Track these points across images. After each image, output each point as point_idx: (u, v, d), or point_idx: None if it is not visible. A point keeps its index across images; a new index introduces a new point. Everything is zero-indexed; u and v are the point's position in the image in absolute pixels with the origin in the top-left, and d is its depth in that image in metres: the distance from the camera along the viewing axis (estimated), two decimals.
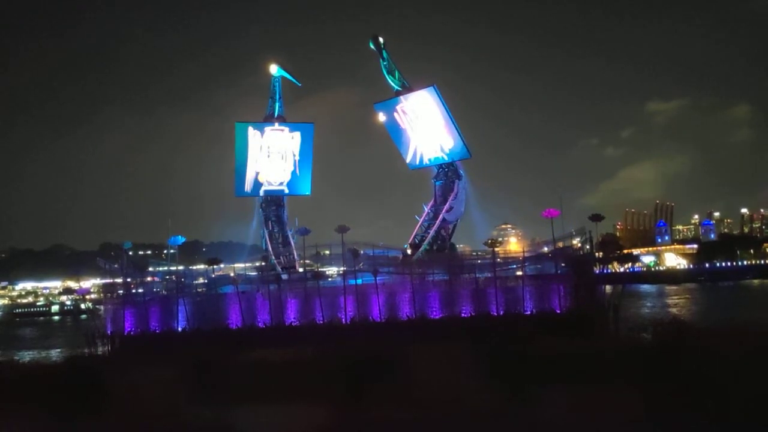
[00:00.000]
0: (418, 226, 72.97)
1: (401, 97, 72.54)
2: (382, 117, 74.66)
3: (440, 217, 70.96)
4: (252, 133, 75.12)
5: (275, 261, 72.28)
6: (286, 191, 75.43)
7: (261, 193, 75.23)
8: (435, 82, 71.78)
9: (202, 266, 73.29)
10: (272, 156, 74.96)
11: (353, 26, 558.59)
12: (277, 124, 75.24)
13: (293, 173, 75.06)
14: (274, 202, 75.53)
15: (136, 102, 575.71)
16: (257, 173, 74.89)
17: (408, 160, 74.83)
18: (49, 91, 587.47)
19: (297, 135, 75.39)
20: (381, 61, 72.88)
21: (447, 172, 72.96)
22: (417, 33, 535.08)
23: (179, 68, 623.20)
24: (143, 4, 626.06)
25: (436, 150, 72.27)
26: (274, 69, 75.84)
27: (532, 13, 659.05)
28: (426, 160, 73.49)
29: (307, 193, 76.96)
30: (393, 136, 74.89)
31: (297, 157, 75.02)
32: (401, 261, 67.73)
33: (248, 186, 75.25)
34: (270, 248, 73.20)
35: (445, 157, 71.90)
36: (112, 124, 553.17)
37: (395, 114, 73.39)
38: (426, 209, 73.36)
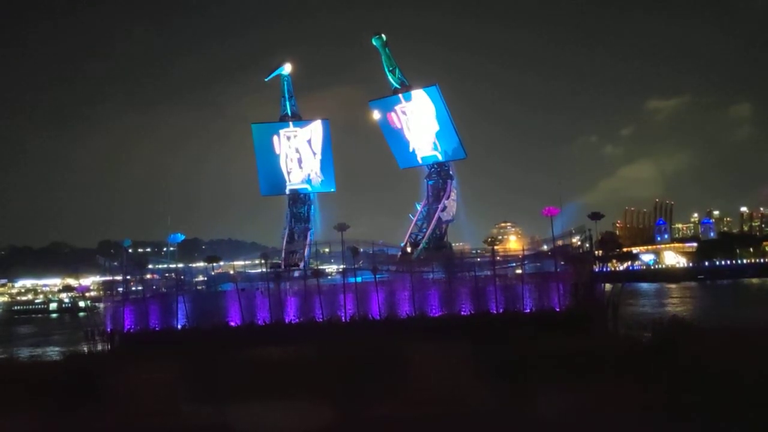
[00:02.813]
0: (412, 225, 72.92)
1: (400, 96, 72.31)
2: (377, 115, 74.35)
3: (436, 216, 70.89)
4: (269, 133, 75.45)
5: (282, 259, 72.44)
6: (309, 189, 75.54)
7: (286, 191, 75.59)
8: (432, 78, 72.21)
9: (201, 264, 73.28)
10: (292, 154, 75.17)
11: (351, 24, 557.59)
12: (291, 123, 75.35)
13: (318, 170, 75.08)
14: (301, 200, 75.79)
15: (134, 99, 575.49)
16: (280, 172, 75.18)
17: (399, 159, 74.50)
18: (47, 87, 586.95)
19: (313, 132, 75.45)
20: (383, 58, 72.67)
21: (439, 171, 72.81)
22: (414, 30, 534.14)
23: (178, 65, 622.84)
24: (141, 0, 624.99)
25: (430, 149, 72.02)
26: (288, 68, 75.96)
27: (531, 9, 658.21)
28: (419, 160, 73.25)
29: (332, 190, 76.86)
30: (386, 134, 74.58)
31: (317, 155, 75.01)
32: (400, 259, 67.73)
33: (272, 186, 75.98)
34: (284, 245, 73.55)
35: (440, 157, 71.71)
36: (111, 120, 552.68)
37: (391, 112, 73.14)
38: (419, 208, 73.29)
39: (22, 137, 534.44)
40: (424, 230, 71.92)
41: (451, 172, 72.59)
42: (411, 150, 73.22)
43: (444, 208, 71.16)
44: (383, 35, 72.56)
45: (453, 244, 75.97)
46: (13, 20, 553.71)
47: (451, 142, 71.02)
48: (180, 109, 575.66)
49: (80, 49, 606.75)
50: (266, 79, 76.30)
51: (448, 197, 71.49)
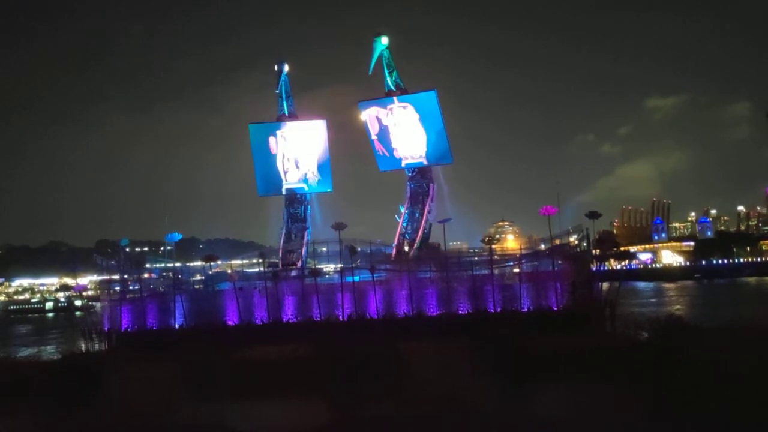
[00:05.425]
0: (399, 226, 72.43)
1: (394, 98, 71.34)
2: (365, 116, 73.59)
3: (424, 217, 70.62)
4: (266, 133, 75.20)
5: (279, 258, 72.36)
6: (306, 189, 75.29)
7: (283, 191, 75.39)
8: (429, 80, 71.61)
9: (199, 263, 73.16)
10: (288, 154, 74.86)
11: (349, 24, 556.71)
12: (288, 123, 74.99)
13: (315, 170, 74.71)
14: (298, 200, 75.65)
15: (132, 99, 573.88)
16: (277, 172, 75.01)
17: (380, 161, 73.35)
18: (45, 86, 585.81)
19: (310, 132, 75.01)
20: (383, 59, 72.00)
21: (422, 174, 72.03)
22: (410, 30, 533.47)
23: (176, 65, 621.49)
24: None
25: (415, 154, 71.06)
26: (286, 68, 75.67)
27: (528, 8, 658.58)
28: (402, 164, 72.38)
29: (329, 190, 76.43)
30: (370, 135, 73.55)
31: (314, 154, 74.62)
32: (395, 258, 67.52)
33: (269, 186, 75.72)
34: (281, 245, 73.45)
35: (425, 162, 70.98)
36: (109, 120, 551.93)
37: (382, 113, 72.28)
38: (403, 210, 72.85)
39: (21, 136, 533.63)
40: (410, 231, 71.67)
41: (431, 175, 71.94)
42: (394, 153, 72.24)
43: (430, 210, 71.01)
44: (385, 36, 72.03)
45: (451, 243, 75.63)
46: (12, 20, 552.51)
47: (440, 147, 70.12)
48: (178, 108, 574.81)
49: (79, 49, 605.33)
50: (277, 90, 75.76)
51: (432, 200, 71.26)
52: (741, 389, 18.90)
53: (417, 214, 71.48)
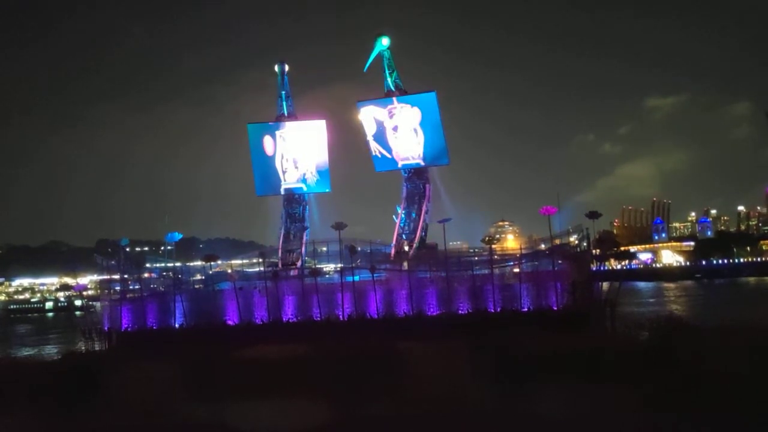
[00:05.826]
0: (397, 227, 72.34)
1: (394, 99, 71.24)
2: (363, 115, 73.37)
3: (422, 218, 70.60)
4: (265, 133, 75.07)
5: (279, 258, 72.33)
6: (305, 189, 75.18)
7: (281, 191, 75.27)
8: (426, 77, 71.64)
9: (199, 263, 73.18)
10: (287, 154, 74.73)
11: (348, 23, 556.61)
12: (287, 123, 74.83)
13: (314, 170, 74.55)
14: (296, 200, 75.56)
15: (132, 98, 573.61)
16: (275, 172, 74.88)
17: (377, 162, 73.23)
18: (46, 86, 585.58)
19: (309, 132, 74.81)
20: (384, 60, 71.91)
21: (419, 175, 71.88)
22: (410, 30, 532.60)
23: (176, 65, 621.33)
24: None
25: (412, 155, 70.96)
26: (286, 67, 75.56)
27: (528, 9, 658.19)
28: (400, 164, 72.24)
29: (327, 190, 76.32)
30: (367, 135, 73.34)
31: (312, 155, 74.42)
32: (393, 258, 67.52)
33: (268, 185, 75.63)
34: (280, 245, 73.39)
35: (422, 163, 70.88)
36: (109, 120, 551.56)
37: (381, 114, 72.13)
38: (399, 211, 72.75)
39: (21, 136, 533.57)
40: (407, 232, 71.63)
41: (427, 176, 71.82)
42: (391, 154, 72.05)
43: (427, 211, 71.03)
44: (386, 37, 71.87)
45: (450, 243, 75.52)
46: (13, 20, 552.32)
47: (437, 149, 70.01)
48: (178, 108, 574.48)
49: (79, 49, 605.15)
50: (283, 92, 75.69)
51: (429, 200, 71.23)
52: (741, 389, 18.89)
53: (414, 215, 71.43)
